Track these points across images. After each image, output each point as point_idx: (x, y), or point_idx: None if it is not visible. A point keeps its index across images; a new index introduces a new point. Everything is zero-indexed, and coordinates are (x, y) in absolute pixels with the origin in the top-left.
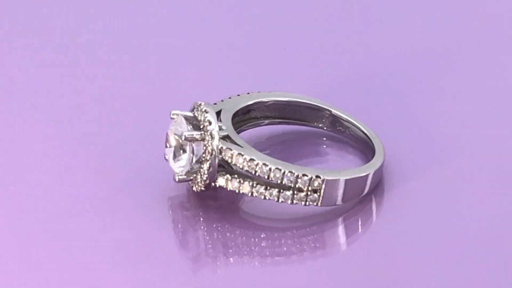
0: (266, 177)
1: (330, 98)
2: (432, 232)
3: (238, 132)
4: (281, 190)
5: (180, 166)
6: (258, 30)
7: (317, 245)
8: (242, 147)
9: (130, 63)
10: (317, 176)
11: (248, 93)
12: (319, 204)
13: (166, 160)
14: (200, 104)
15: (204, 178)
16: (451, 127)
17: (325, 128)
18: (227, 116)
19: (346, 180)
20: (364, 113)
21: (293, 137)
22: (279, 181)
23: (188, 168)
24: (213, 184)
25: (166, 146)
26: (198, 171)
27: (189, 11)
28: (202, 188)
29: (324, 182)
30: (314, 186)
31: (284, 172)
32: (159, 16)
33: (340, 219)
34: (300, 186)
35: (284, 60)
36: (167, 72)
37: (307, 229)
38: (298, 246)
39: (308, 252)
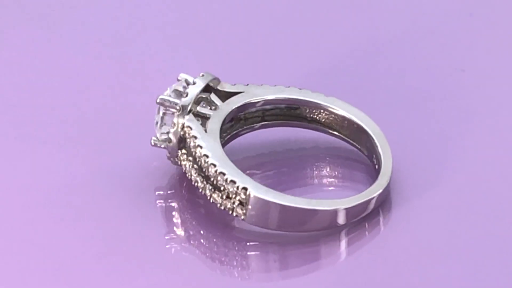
0: (204, 169)
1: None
2: (440, 248)
3: (259, 128)
4: (213, 190)
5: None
6: (256, 26)
7: (317, 258)
8: (205, 131)
9: (120, 57)
10: (244, 188)
11: (288, 87)
12: (245, 219)
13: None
14: (200, 75)
15: (167, 151)
16: (462, 141)
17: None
18: (237, 100)
19: (346, 209)
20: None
21: (295, 154)
22: (212, 179)
23: (161, 135)
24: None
25: None
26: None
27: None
28: (170, 160)
29: (250, 197)
30: (241, 197)
31: (216, 171)
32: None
33: (343, 232)
34: (228, 192)
35: (284, 57)
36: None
37: (308, 242)
38: (296, 257)
39: (306, 264)
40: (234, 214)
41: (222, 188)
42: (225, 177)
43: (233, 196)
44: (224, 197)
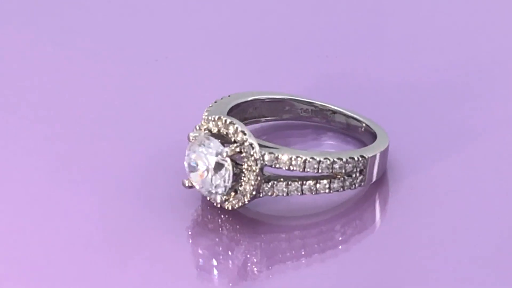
0: (316, 170)
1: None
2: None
3: None
4: (331, 180)
5: (220, 187)
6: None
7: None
8: (277, 148)
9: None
10: (362, 156)
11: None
12: (364, 184)
13: (189, 187)
14: (220, 118)
15: (252, 191)
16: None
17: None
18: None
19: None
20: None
21: (292, 134)
22: (330, 171)
23: (229, 187)
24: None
25: (191, 172)
26: (237, 187)
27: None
28: (246, 202)
29: (369, 159)
30: (359, 167)
31: (333, 161)
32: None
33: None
34: (347, 170)
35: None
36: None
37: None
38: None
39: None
40: (353, 187)
41: (337, 172)
42: (343, 159)
43: (355, 169)
44: (346, 176)
